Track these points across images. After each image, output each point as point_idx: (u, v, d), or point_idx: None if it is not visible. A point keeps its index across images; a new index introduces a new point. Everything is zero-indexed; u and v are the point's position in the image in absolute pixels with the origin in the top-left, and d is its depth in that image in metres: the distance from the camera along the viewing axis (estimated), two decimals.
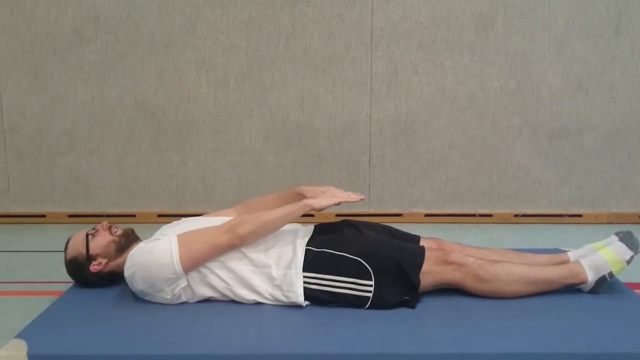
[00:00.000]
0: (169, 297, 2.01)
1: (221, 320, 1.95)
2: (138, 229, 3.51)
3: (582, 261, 2.11)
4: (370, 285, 1.99)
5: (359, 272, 1.99)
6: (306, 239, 2.09)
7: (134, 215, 3.71)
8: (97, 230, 2.17)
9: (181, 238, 2.01)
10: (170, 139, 3.65)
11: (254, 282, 2.01)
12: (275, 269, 2.01)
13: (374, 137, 3.64)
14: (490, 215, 3.70)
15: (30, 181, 3.71)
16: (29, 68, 3.58)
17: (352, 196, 2.09)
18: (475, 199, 3.70)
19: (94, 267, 2.13)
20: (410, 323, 1.90)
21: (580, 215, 3.68)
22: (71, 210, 3.73)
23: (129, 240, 2.19)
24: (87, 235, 2.16)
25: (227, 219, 2.13)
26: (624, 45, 3.51)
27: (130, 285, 2.06)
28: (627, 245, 2.09)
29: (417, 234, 2.33)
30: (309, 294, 2.00)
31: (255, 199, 2.37)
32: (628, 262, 2.08)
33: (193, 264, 1.99)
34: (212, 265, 2.02)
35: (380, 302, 1.99)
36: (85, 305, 2.08)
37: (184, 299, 2.05)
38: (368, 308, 1.99)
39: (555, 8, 3.48)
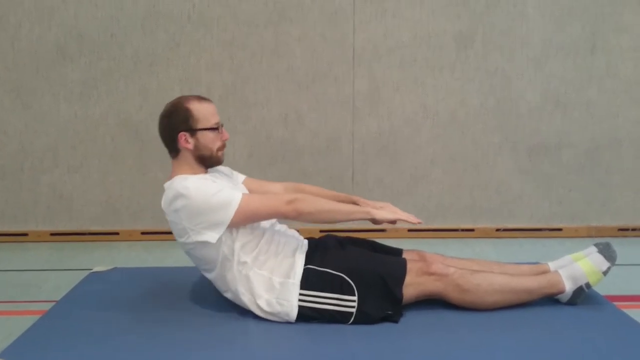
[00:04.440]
0: (190, 239, 1.99)
1: (206, 337, 1.95)
2: (122, 247, 3.53)
3: (561, 271, 2.14)
4: (354, 301, 2.00)
5: (342, 288, 2.00)
6: (304, 254, 2.10)
7: (117, 233, 3.70)
8: (221, 132, 2.11)
9: (245, 195, 2.01)
10: (154, 157, 3.65)
11: (254, 283, 2.01)
12: (277, 277, 2.02)
13: (357, 153, 3.68)
14: (473, 230, 3.74)
15: (12, 199, 3.69)
16: (11, 86, 3.58)
17: (412, 218, 2.09)
18: (457, 214, 3.74)
19: (182, 136, 2.05)
20: (394, 338, 1.92)
21: (560, 229, 3.73)
22: (53, 229, 3.71)
23: (214, 163, 2.14)
24: (218, 125, 2.09)
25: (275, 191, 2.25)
26: (600, 63, 3.59)
27: (168, 201, 2.02)
28: (605, 257, 2.13)
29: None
30: None
31: (307, 185, 2.37)
32: (605, 273, 2.12)
33: (245, 218, 1.98)
34: (232, 250, 2.01)
35: (363, 317, 2.00)
36: (68, 324, 2.06)
37: (193, 254, 2.05)
38: (351, 324, 2.00)
39: (533, 27, 3.56)
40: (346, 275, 2.01)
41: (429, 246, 3.43)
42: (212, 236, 1.97)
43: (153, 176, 3.67)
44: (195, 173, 2.09)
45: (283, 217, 2.04)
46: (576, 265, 2.13)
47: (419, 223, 2.08)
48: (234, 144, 3.66)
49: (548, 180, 3.71)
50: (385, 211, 2.09)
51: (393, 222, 2.07)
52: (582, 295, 2.13)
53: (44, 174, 3.66)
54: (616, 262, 2.15)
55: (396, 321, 2.02)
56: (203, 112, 2.07)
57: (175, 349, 1.87)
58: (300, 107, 3.62)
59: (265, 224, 2.13)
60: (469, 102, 3.63)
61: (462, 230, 3.74)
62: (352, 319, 2.00)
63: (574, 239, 3.67)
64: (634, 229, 3.73)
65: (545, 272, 2.21)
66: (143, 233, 3.69)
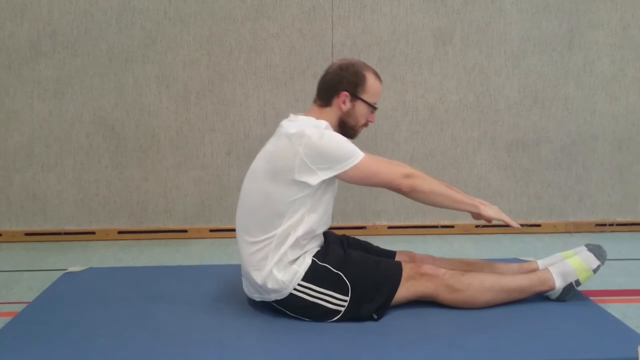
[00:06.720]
0: (293, 171, 1.93)
1: (181, 338, 1.92)
2: (98, 247, 3.48)
3: (551, 268, 2.16)
4: (345, 301, 1.99)
5: (337, 286, 1.99)
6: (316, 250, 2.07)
7: (93, 233, 3.64)
8: (373, 114, 2.15)
9: (368, 155, 2.02)
10: (130, 155, 3.60)
11: (279, 252, 1.97)
12: (292, 263, 1.99)
13: None
14: (452, 227, 3.75)
15: None
16: None
17: (514, 223, 2.10)
18: (437, 211, 3.74)
19: (344, 95, 2.06)
20: (373, 337, 1.91)
21: (539, 225, 3.76)
22: (28, 229, 3.64)
23: (350, 134, 2.12)
24: (375, 106, 2.13)
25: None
26: (577, 59, 3.62)
27: (299, 126, 1.97)
28: (595, 255, 2.15)
29: (380, 246, 2.34)
30: None
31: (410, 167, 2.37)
32: (595, 271, 2.14)
33: (360, 176, 1.99)
34: (298, 208, 1.98)
35: (348, 317, 1.99)
36: (40, 327, 2.02)
37: (267, 186, 1.98)
38: (334, 321, 1.99)
39: (511, 23, 3.57)
40: (343, 274, 2.00)
41: (409, 243, 3.44)
42: (317, 177, 1.95)
43: (129, 174, 3.62)
44: None
45: (395, 188, 2.03)
46: (566, 262, 2.15)
47: (519, 227, 2.11)
48: (211, 142, 3.62)
49: (526, 176, 3.73)
50: (491, 210, 2.10)
51: (490, 220, 2.09)
52: (572, 292, 2.14)
53: (17, 173, 3.59)
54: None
55: (375, 320, 2.01)
56: (374, 88, 2.10)
57: (150, 349, 1.84)
58: (278, 104, 3.60)
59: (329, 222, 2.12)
60: (448, 98, 3.63)
61: (442, 226, 3.75)
62: (338, 317, 1.99)
63: (552, 234, 3.70)
64: (610, 224, 3.76)
65: (535, 270, 2.22)
66: (120, 232, 3.64)
